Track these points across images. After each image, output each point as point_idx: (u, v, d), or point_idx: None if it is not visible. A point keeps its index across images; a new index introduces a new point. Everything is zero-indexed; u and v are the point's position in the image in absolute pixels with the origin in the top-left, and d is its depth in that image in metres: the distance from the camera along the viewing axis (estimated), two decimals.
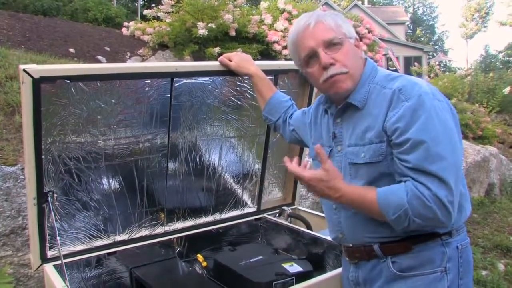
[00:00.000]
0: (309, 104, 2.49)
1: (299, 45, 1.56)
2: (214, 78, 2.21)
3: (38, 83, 1.68)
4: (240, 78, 2.25)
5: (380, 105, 1.46)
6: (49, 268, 1.95)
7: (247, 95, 2.36)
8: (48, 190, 1.94)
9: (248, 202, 2.67)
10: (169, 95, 2.10)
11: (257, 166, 2.62)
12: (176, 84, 2.10)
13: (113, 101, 1.98)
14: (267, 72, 2.14)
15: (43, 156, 1.85)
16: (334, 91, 1.54)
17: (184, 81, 2.12)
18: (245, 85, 2.32)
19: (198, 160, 2.37)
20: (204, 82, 2.19)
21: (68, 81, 1.81)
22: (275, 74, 2.36)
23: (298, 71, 2.36)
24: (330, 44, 1.50)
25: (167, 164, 2.26)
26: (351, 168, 1.54)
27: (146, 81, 2.02)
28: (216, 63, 2.13)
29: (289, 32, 1.64)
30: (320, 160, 1.47)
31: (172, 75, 2.06)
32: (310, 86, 2.53)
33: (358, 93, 1.53)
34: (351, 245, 1.63)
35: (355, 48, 1.56)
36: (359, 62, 1.56)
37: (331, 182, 1.45)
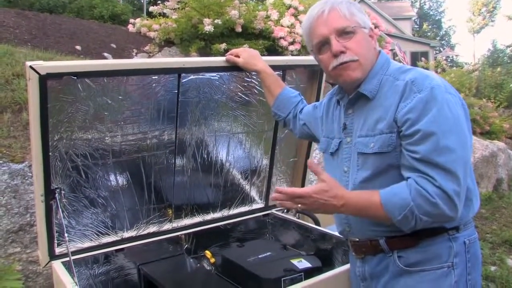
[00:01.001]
0: (317, 99, 2.48)
1: (312, 32, 1.56)
2: (222, 73, 2.19)
3: (44, 79, 1.67)
4: (247, 73, 2.24)
5: (392, 96, 1.45)
6: (57, 265, 1.95)
7: (255, 90, 2.34)
8: (56, 187, 1.94)
9: (256, 198, 2.66)
10: (176, 91, 2.09)
11: (265, 162, 2.60)
12: (184, 80, 2.08)
13: (120, 97, 1.97)
14: (274, 67, 2.13)
15: (50, 153, 1.84)
16: (343, 79, 1.54)
17: (192, 77, 2.11)
18: (252, 80, 2.30)
19: (205, 156, 2.36)
20: (212, 78, 2.18)
21: (75, 77, 1.80)
22: (283, 70, 2.34)
23: (306, 67, 2.37)
24: (343, 33, 1.50)
25: (175, 161, 2.26)
26: (359, 158, 1.54)
27: (153, 77, 2.01)
28: (224, 58, 2.12)
29: (304, 18, 1.64)
30: (315, 173, 1.45)
31: (179, 71, 2.05)
32: (318, 81, 2.51)
33: (369, 83, 1.53)
34: (357, 239, 1.63)
35: (369, 38, 1.55)
36: (372, 52, 1.55)
37: (333, 190, 1.43)
